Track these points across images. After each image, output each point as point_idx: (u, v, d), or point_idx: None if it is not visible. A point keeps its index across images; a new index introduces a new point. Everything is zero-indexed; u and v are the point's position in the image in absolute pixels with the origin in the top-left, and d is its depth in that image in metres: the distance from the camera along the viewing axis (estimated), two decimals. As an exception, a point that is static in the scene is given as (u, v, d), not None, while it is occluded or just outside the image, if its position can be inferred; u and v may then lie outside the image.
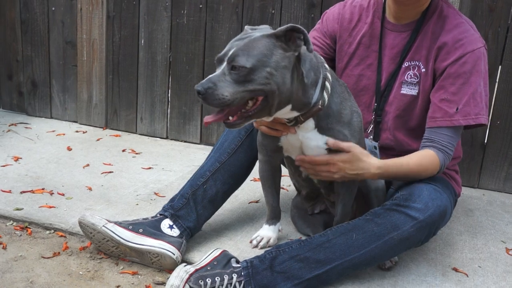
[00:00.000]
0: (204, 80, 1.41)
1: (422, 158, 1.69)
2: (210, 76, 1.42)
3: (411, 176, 1.69)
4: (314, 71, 1.52)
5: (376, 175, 1.64)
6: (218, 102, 1.39)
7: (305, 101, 1.51)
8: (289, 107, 1.50)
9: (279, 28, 1.44)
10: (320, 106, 1.53)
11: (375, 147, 1.86)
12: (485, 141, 2.55)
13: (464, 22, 1.73)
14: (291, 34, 1.43)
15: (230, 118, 1.46)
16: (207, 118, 1.47)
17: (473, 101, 1.68)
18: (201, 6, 2.88)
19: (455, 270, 1.78)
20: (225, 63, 1.42)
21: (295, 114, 1.53)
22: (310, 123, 1.57)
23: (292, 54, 1.44)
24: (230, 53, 1.42)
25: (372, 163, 1.61)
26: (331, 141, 1.58)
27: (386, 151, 1.87)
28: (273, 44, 1.43)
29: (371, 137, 1.88)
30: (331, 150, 1.60)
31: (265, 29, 1.50)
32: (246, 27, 1.55)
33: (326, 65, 1.59)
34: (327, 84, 1.55)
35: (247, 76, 1.39)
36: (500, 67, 2.47)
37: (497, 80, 2.47)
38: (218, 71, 1.42)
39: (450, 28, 1.72)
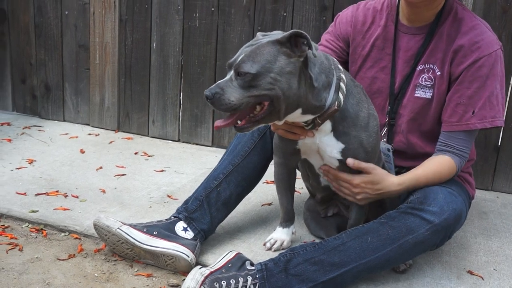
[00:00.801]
0: (212, 86, 1.46)
1: (438, 166, 1.71)
2: (219, 81, 1.47)
3: (430, 185, 1.69)
4: (326, 73, 1.52)
5: (397, 192, 1.69)
6: (225, 107, 1.44)
7: (317, 104, 1.51)
8: (299, 111, 1.51)
9: (283, 34, 1.47)
10: (336, 107, 1.54)
11: (388, 150, 1.85)
12: (499, 143, 2.54)
13: (480, 23, 1.72)
14: (296, 39, 1.45)
15: (239, 122, 1.50)
16: (218, 123, 1.51)
17: (489, 104, 1.67)
18: (213, 9, 2.89)
19: (470, 273, 1.77)
20: (232, 70, 1.46)
21: (309, 117, 1.53)
22: (328, 125, 1.57)
23: (297, 60, 1.46)
24: (238, 59, 1.46)
25: (392, 181, 1.67)
26: (351, 161, 1.61)
27: (398, 155, 1.86)
28: (278, 50, 1.45)
29: (385, 139, 1.88)
30: (343, 162, 1.61)
31: (276, 35, 1.50)
32: (258, 33, 1.56)
33: (340, 66, 1.59)
34: (342, 85, 1.55)
35: (252, 81, 1.43)
36: (514, 69, 2.45)
37: (511, 83, 2.46)
38: (227, 77, 1.47)
39: (466, 30, 1.71)
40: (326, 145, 1.60)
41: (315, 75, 1.49)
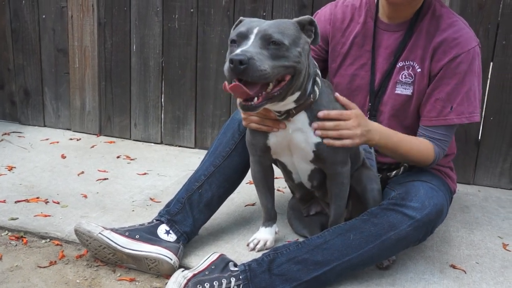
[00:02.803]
0: (238, 51, 1.35)
1: (421, 141, 1.74)
2: (243, 48, 1.36)
3: (409, 154, 1.72)
4: (312, 65, 1.57)
5: (379, 135, 1.64)
6: (259, 74, 1.34)
7: (306, 92, 1.54)
8: (297, 94, 1.51)
9: (301, 17, 1.51)
10: (312, 100, 1.55)
11: (370, 147, 1.86)
12: (479, 137, 2.56)
13: (459, 20, 1.75)
14: (305, 25, 1.51)
15: (255, 100, 1.40)
16: (242, 95, 1.38)
17: (467, 100, 1.70)
18: (192, 10, 2.87)
19: (453, 267, 1.78)
20: (252, 39, 1.39)
21: (292, 105, 1.54)
22: (302, 116, 1.57)
23: (308, 43, 1.51)
24: (260, 29, 1.41)
25: (376, 123, 1.68)
26: (321, 113, 1.56)
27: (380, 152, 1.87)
28: (299, 29, 1.49)
29: None
30: (318, 155, 1.60)
31: (265, 21, 1.50)
32: (242, 18, 1.55)
33: (316, 63, 1.62)
34: (318, 80, 1.58)
35: (285, 52, 1.41)
36: (491, 63, 2.48)
37: (489, 77, 2.48)
38: (246, 46, 1.38)
39: (445, 27, 1.73)
40: (301, 132, 1.58)
41: (310, 62, 1.54)
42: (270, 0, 2.73)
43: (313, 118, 1.57)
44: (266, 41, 1.39)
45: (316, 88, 1.56)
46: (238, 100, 1.44)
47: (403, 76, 1.79)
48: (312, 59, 1.59)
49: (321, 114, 1.56)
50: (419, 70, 1.76)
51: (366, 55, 1.86)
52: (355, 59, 1.88)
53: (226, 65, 1.36)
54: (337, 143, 1.57)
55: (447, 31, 1.72)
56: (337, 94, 1.63)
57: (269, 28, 1.41)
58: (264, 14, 2.75)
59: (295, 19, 1.51)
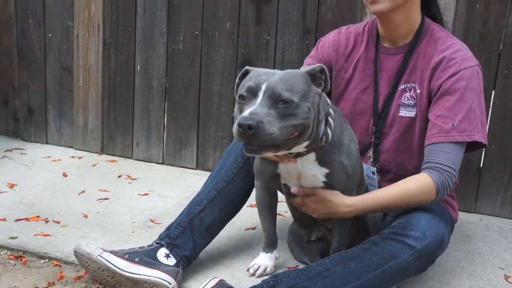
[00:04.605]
0: (246, 114, 1.33)
1: (408, 184, 1.64)
2: (251, 110, 1.34)
3: (398, 206, 1.67)
4: (324, 107, 1.55)
5: (347, 213, 1.65)
6: (267, 138, 1.33)
7: (316, 137, 1.53)
8: (306, 143, 1.51)
9: (311, 67, 1.48)
10: (323, 143, 1.55)
11: (373, 173, 1.86)
12: (481, 166, 2.56)
13: (457, 43, 1.76)
14: (315, 74, 1.48)
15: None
16: (249, 152, 1.39)
17: (468, 118, 1.66)
18: (196, 32, 2.90)
19: (454, 297, 1.77)
20: (260, 97, 1.38)
21: (303, 149, 1.54)
22: (311, 156, 1.58)
23: (319, 93, 1.49)
24: (268, 86, 1.38)
25: (341, 202, 1.64)
26: (295, 189, 1.66)
27: (384, 174, 1.87)
28: (309, 81, 1.46)
29: (371, 160, 1.88)
30: (327, 183, 1.62)
31: (271, 71, 1.50)
32: (248, 67, 1.54)
33: (329, 100, 1.61)
34: (330, 120, 1.57)
35: (293, 110, 1.39)
36: (493, 92, 2.49)
37: (491, 106, 2.49)
38: (254, 105, 1.37)
39: (443, 48, 1.73)
40: (309, 169, 1.60)
41: (320, 108, 1.52)
42: (274, 24, 2.76)
43: (322, 156, 1.58)
44: (275, 100, 1.37)
45: (328, 130, 1.56)
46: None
47: (406, 98, 1.80)
48: (324, 97, 1.57)
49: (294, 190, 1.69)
50: (419, 91, 1.77)
51: (368, 79, 1.87)
52: (357, 84, 1.90)
53: (235, 127, 1.34)
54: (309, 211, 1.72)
55: (445, 52, 1.72)
56: (294, 188, 1.67)
57: (277, 85, 1.38)
58: (268, 38, 2.77)
59: (305, 70, 1.48)
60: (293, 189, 1.67)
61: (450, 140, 1.65)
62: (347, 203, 1.64)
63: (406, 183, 1.65)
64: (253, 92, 1.40)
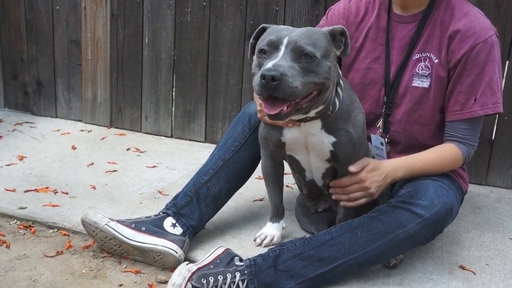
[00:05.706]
0: (270, 65, 1.29)
1: (440, 151, 1.71)
2: (275, 62, 1.30)
3: (433, 170, 1.70)
4: (336, 75, 1.53)
5: (400, 174, 1.67)
6: (290, 91, 1.29)
7: (329, 104, 1.52)
8: (321, 107, 1.49)
9: (332, 27, 1.46)
10: (329, 112, 1.53)
11: (381, 143, 1.83)
12: (493, 138, 2.52)
13: (474, 9, 1.72)
14: (336, 35, 1.46)
15: (284, 108, 1.36)
16: (269, 110, 1.34)
17: (490, 90, 1.67)
18: (204, 3, 2.86)
19: (462, 268, 1.75)
20: (283, 50, 1.34)
21: (312, 115, 1.52)
22: (318, 123, 1.56)
23: (337, 55, 1.47)
24: (291, 39, 1.35)
25: (389, 163, 1.66)
26: (353, 168, 1.61)
27: (395, 146, 1.84)
28: (330, 41, 1.44)
29: (380, 130, 1.85)
30: (335, 154, 1.60)
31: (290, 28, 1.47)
32: (264, 25, 1.52)
33: (340, 71, 1.59)
34: (339, 90, 1.55)
35: (315, 67, 1.36)
36: (507, 62, 2.43)
37: (505, 76, 2.44)
38: (277, 58, 1.33)
39: (460, 16, 1.69)
40: (315, 136, 1.58)
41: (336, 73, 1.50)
42: (283, -6, 2.71)
43: (329, 124, 1.56)
44: (298, 53, 1.34)
45: (336, 100, 1.54)
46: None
47: (420, 68, 1.76)
48: (337, 67, 1.55)
49: (332, 184, 1.68)
50: (436, 61, 1.73)
51: (379, 48, 1.83)
52: (368, 53, 1.86)
53: (257, 79, 1.31)
54: (351, 204, 1.66)
55: (462, 20, 1.68)
56: (352, 167, 1.61)
57: (300, 39, 1.35)
58: (277, 8, 2.73)
59: (327, 29, 1.45)
60: (352, 168, 1.61)
61: (473, 116, 1.69)
62: (395, 163, 1.67)
63: (443, 152, 1.71)
64: (274, 46, 1.36)
